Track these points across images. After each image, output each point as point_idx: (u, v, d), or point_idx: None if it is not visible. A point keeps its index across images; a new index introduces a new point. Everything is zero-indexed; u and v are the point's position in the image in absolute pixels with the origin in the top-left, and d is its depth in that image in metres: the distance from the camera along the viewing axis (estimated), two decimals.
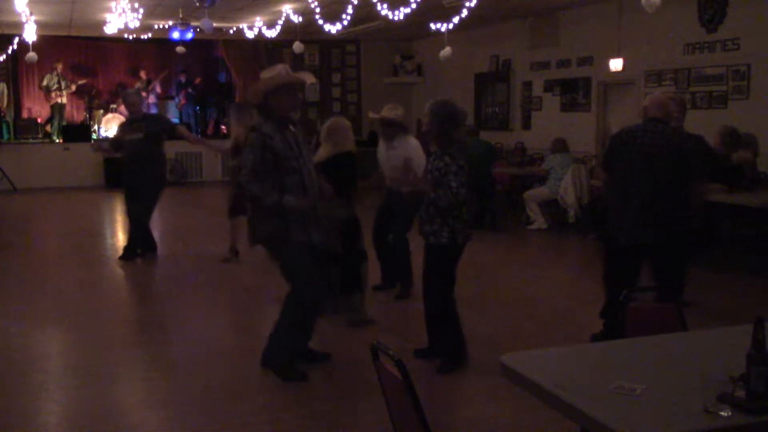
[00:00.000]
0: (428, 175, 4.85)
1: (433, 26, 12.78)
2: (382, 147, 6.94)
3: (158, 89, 18.23)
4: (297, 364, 4.98)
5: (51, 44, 16.52)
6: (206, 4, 11.05)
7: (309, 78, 5.33)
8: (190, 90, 17.97)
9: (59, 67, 16.72)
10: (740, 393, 2.35)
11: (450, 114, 4.86)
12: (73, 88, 17.11)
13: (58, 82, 16.71)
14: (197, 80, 18.03)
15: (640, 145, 5.27)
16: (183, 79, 17.89)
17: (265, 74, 4.91)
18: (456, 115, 4.90)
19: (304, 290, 4.87)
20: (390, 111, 6.74)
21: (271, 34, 14.84)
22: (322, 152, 6.02)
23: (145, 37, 16.24)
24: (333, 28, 12.91)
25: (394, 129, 6.71)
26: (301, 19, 13.01)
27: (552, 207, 10.89)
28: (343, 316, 6.00)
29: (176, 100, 18.32)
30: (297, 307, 4.88)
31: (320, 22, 12.54)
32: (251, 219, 4.95)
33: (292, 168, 4.72)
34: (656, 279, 5.47)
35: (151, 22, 13.97)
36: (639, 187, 5.25)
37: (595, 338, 5.46)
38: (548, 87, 13.53)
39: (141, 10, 12.16)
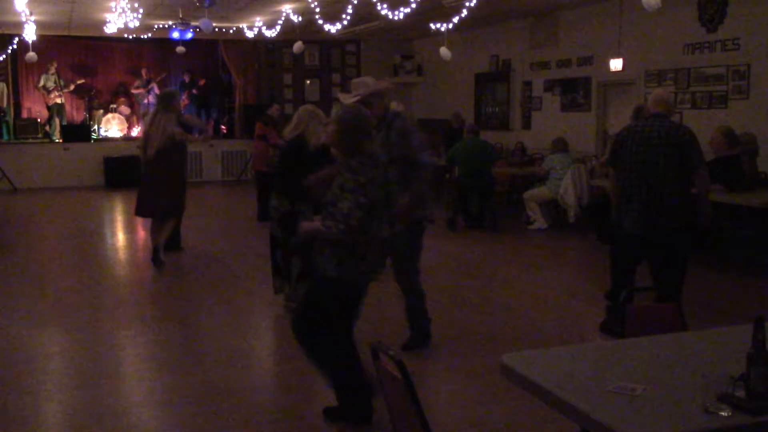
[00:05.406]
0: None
1: (433, 26, 12.79)
2: None
3: (156, 90, 18.22)
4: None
5: (51, 44, 16.52)
6: (206, 4, 11.05)
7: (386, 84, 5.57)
8: (194, 91, 17.96)
9: (53, 67, 16.67)
10: (740, 393, 2.35)
11: (358, 123, 4.10)
12: (72, 87, 17.11)
13: (55, 82, 16.69)
14: (201, 82, 18.02)
15: (641, 139, 5.47)
16: (187, 79, 17.88)
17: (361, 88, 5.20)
18: (364, 124, 4.13)
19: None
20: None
21: (271, 34, 14.85)
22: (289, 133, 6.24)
23: (145, 36, 16.25)
24: (333, 28, 12.91)
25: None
26: (301, 19, 13.02)
27: (552, 207, 10.88)
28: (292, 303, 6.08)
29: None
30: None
31: (320, 22, 12.54)
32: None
33: None
34: (655, 278, 5.55)
35: (151, 22, 13.98)
36: (644, 180, 5.43)
37: (602, 327, 5.77)
38: (548, 87, 13.53)
39: (141, 10, 12.17)
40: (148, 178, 8.21)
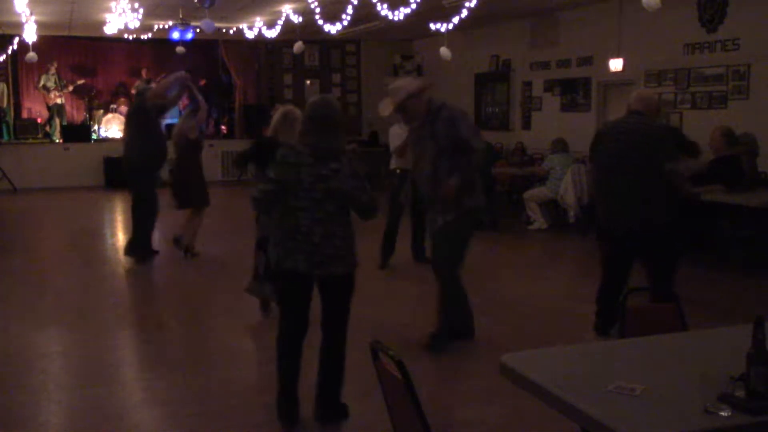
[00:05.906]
0: None
1: (433, 26, 12.78)
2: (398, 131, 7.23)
3: None
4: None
5: (51, 44, 16.51)
6: (206, 5, 11.04)
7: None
8: None
9: (53, 67, 16.67)
10: (740, 393, 2.35)
11: (323, 116, 4.05)
12: (71, 88, 17.10)
13: (55, 82, 16.69)
14: (202, 82, 18.01)
15: (616, 135, 5.49)
16: None
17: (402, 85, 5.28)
18: (331, 119, 4.05)
19: None
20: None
21: (271, 34, 14.83)
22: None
23: (145, 37, 16.24)
24: (333, 28, 12.90)
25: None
26: (301, 19, 13.01)
27: (552, 207, 10.88)
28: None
29: None
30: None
31: (320, 22, 12.54)
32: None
33: None
34: (648, 276, 5.52)
35: (151, 22, 13.97)
36: (619, 176, 5.42)
37: (596, 327, 5.70)
38: (548, 87, 13.52)
39: (141, 10, 12.16)
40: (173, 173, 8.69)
